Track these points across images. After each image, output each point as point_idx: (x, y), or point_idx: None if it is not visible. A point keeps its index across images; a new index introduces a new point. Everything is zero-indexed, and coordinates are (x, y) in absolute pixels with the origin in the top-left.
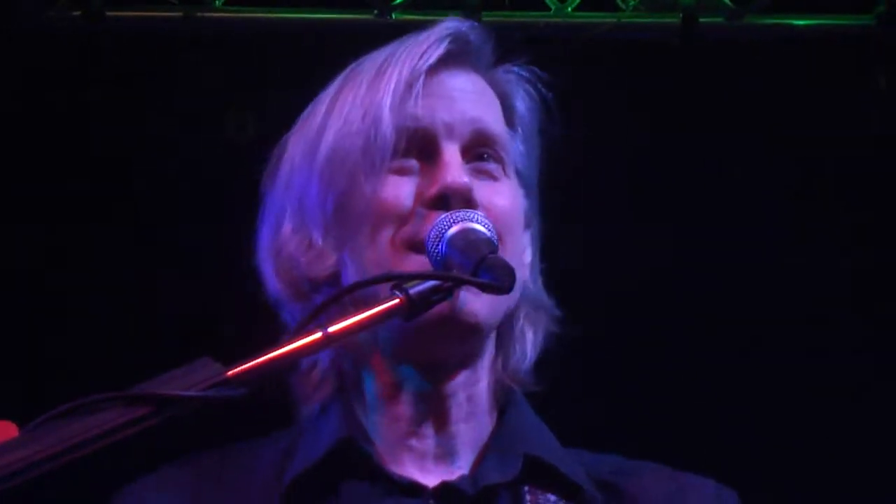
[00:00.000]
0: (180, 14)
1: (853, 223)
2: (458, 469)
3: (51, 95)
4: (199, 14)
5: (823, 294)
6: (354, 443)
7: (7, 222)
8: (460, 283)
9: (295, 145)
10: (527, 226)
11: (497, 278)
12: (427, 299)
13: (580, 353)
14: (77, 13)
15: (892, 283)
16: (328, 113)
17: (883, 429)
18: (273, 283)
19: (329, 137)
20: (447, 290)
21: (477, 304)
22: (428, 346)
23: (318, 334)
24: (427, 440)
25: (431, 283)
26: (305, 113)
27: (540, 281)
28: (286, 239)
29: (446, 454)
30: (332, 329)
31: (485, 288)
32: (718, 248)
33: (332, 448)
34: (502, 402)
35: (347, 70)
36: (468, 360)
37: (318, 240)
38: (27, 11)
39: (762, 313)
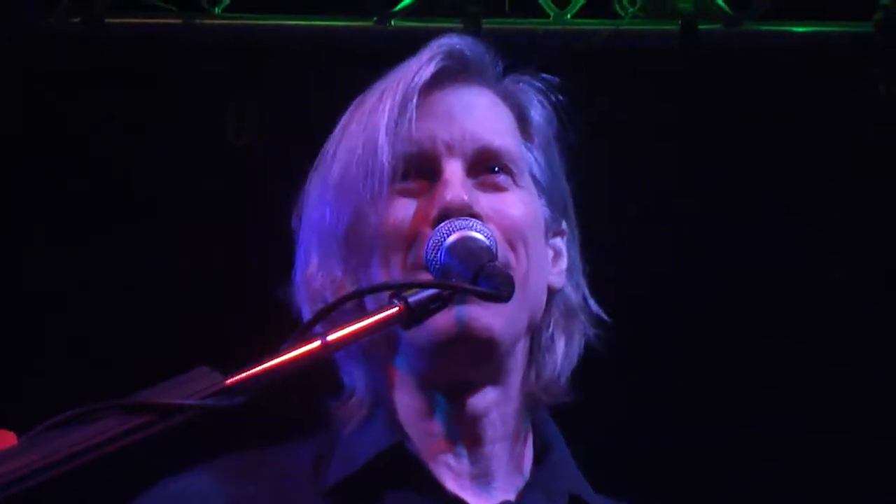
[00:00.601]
0: (179, 21)
1: (853, 230)
2: (496, 490)
3: (50, 102)
4: (198, 21)
5: (823, 302)
6: (405, 449)
7: (7, 226)
8: (459, 291)
9: (313, 179)
10: (554, 234)
11: (496, 286)
12: (426, 307)
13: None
14: (76, 20)
15: (893, 289)
16: (337, 144)
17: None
18: (308, 316)
19: (337, 168)
20: (446, 299)
21: (489, 317)
22: (447, 367)
23: (317, 343)
24: (463, 459)
25: (430, 291)
26: (325, 146)
27: (583, 284)
28: (312, 274)
29: (483, 474)
30: (330, 338)
31: (483, 296)
32: (718, 254)
33: (382, 453)
34: (537, 421)
35: (358, 98)
36: (496, 378)
37: (339, 273)
38: (27, 18)
39: (757, 320)
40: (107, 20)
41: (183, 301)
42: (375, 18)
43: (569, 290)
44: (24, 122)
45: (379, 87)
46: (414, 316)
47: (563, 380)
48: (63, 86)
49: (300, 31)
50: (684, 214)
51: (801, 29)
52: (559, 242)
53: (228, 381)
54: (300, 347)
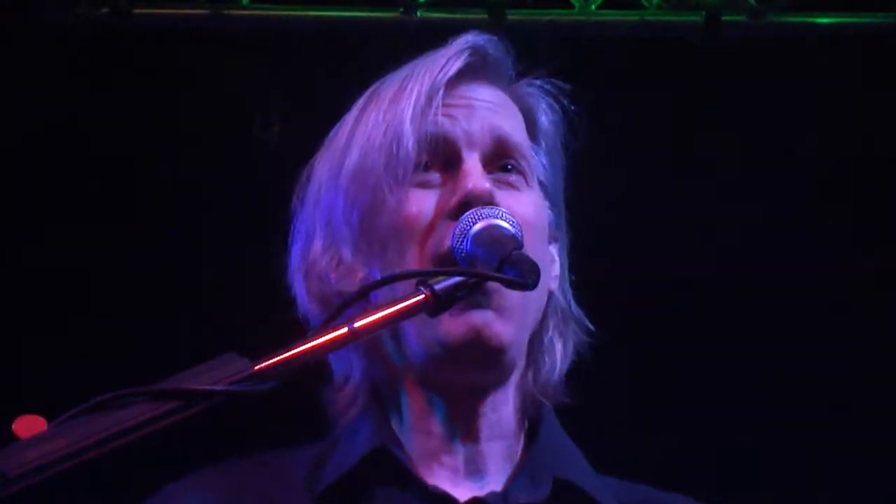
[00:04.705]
0: (207, 11)
1: (875, 221)
2: (488, 485)
3: (76, 93)
4: (225, 12)
5: (843, 296)
6: (388, 451)
7: (32, 219)
8: (485, 279)
9: (321, 165)
10: (553, 239)
11: (522, 275)
12: (452, 295)
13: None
14: (104, 10)
15: None
16: (352, 131)
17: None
18: (304, 300)
19: (353, 155)
20: (472, 287)
21: (499, 324)
22: (455, 371)
23: (344, 329)
24: (458, 456)
25: (456, 279)
26: (332, 133)
27: (570, 294)
28: (316, 257)
29: (477, 470)
30: (357, 324)
31: (509, 284)
32: (742, 246)
33: (366, 456)
34: (532, 416)
35: (371, 89)
36: (499, 382)
37: (348, 256)
38: (53, 9)
39: (775, 317)
40: (134, 10)
41: (205, 299)
42: (402, 9)
43: (559, 294)
44: (49, 117)
45: (397, 77)
46: (440, 303)
47: (559, 380)
48: (90, 76)
49: (327, 21)
50: (707, 206)
51: (824, 20)
52: (554, 248)
53: (257, 366)
54: (328, 333)
